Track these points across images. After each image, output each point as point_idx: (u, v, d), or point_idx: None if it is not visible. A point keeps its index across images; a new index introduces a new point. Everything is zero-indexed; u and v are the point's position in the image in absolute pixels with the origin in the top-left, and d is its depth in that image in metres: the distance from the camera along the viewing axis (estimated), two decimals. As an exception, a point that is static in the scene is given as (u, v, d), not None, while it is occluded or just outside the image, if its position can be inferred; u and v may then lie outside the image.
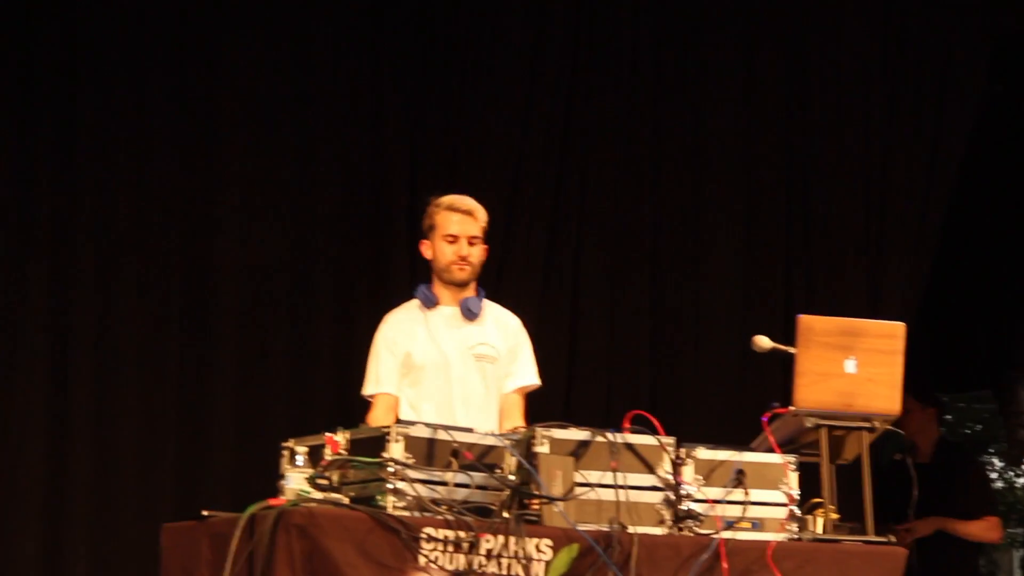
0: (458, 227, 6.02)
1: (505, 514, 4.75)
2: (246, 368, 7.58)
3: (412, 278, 7.57)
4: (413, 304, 6.09)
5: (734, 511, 5.11)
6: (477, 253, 6.05)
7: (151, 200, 7.56)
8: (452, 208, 6.04)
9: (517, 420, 6.03)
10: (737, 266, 8.41)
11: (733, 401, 8.13)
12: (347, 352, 7.69)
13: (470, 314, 6.04)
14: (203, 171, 7.66)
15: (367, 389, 6.05)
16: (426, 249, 6.08)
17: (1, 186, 7.36)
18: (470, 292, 6.08)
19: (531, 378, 6.18)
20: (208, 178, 7.67)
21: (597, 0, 8.35)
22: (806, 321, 5.46)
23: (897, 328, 5.57)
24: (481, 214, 6.06)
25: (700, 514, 5.06)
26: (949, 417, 18.71)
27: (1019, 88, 9.33)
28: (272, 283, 7.70)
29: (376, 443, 4.73)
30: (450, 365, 5.99)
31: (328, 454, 4.79)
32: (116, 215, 7.50)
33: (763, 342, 5.70)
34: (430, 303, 6.04)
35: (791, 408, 5.38)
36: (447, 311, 6.05)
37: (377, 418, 5.90)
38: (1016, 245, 9.56)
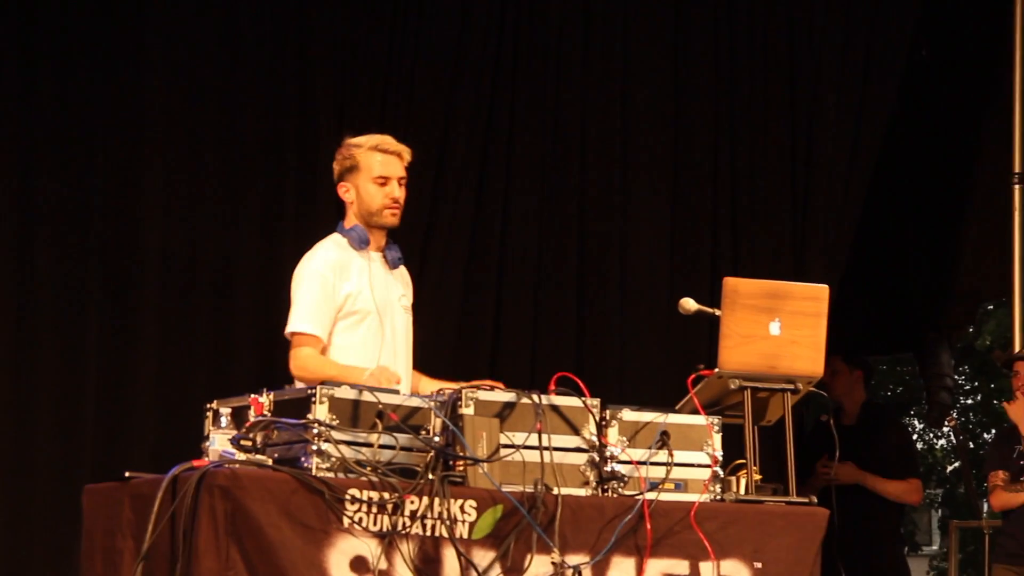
0: (388, 168, 5.69)
1: (430, 475, 4.74)
2: (169, 329, 7.51)
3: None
4: (340, 242, 5.71)
5: (658, 472, 5.12)
6: (404, 196, 5.74)
7: (72, 166, 7.45)
8: (380, 149, 5.71)
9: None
10: (663, 227, 8.42)
11: (658, 363, 8.16)
12: (268, 313, 7.65)
13: (396, 263, 5.80)
14: (126, 132, 7.56)
15: (296, 325, 5.60)
16: (346, 192, 5.71)
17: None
18: (384, 239, 5.79)
19: None
20: (133, 135, 7.56)
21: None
22: (731, 283, 5.47)
23: (821, 290, 5.60)
24: (407, 154, 5.74)
25: (624, 475, 5.07)
26: (873, 380, 18.90)
27: (945, 53, 9.37)
28: (196, 245, 7.61)
29: (301, 404, 4.70)
30: (384, 317, 5.70)
31: (252, 415, 4.77)
32: (36, 183, 7.38)
33: (689, 304, 5.71)
34: (365, 244, 5.70)
35: (716, 370, 5.40)
36: (375, 256, 5.75)
37: (307, 361, 5.55)
38: (940, 207, 9.62)
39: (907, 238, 9.86)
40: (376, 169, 5.69)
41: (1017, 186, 9.05)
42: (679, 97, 8.52)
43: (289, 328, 5.64)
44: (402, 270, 5.89)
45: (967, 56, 9.39)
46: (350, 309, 5.65)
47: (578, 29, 8.40)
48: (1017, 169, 9.05)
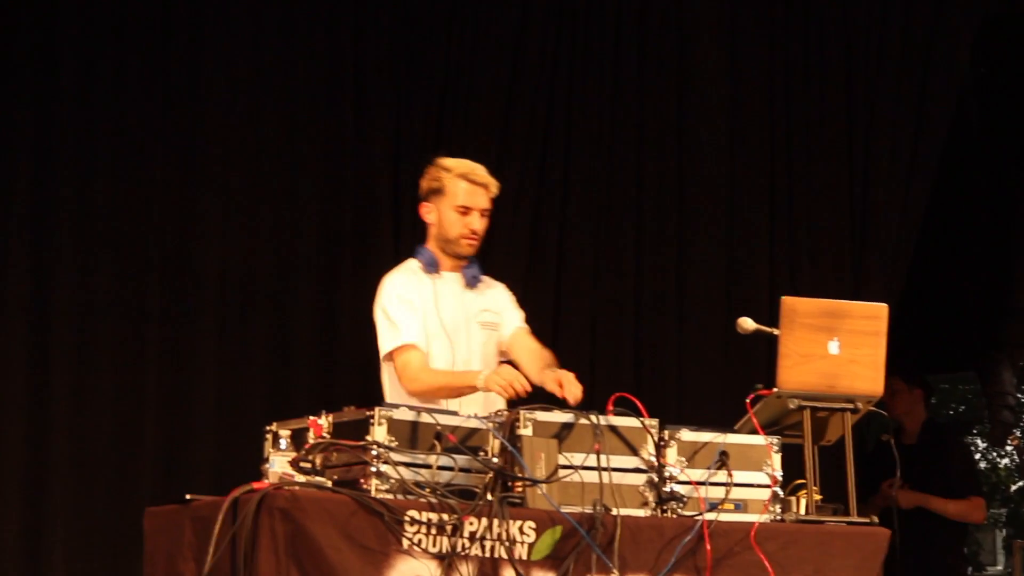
0: (472, 199, 5.75)
1: (488, 496, 4.74)
2: (228, 350, 7.55)
3: (395, 258, 7.59)
4: (413, 266, 5.81)
5: (717, 492, 5.11)
6: (486, 226, 5.80)
7: (130, 182, 7.52)
8: (466, 177, 5.76)
9: (535, 345, 5.82)
10: (721, 247, 8.41)
11: (717, 382, 8.14)
12: (329, 335, 7.69)
13: (474, 281, 5.83)
14: (184, 151, 7.61)
15: (397, 340, 5.62)
16: (428, 212, 5.79)
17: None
18: (466, 259, 5.85)
19: (523, 322, 5.97)
20: (190, 154, 7.62)
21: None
22: (789, 302, 5.46)
23: (880, 309, 5.57)
24: (495, 187, 5.80)
25: (683, 496, 5.06)
26: (933, 400, 18.79)
27: (1002, 70, 9.33)
28: (254, 265, 7.66)
29: (359, 426, 4.72)
30: (455, 332, 5.74)
31: (311, 437, 4.79)
32: (95, 201, 7.45)
33: (747, 323, 5.70)
34: (433, 268, 5.78)
35: (774, 389, 5.38)
36: (449, 277, 5.81)
37: (421, 373, 5.58)
38: (999, 226, 9.57)
39: (967, 256, 9.80)
40: (460, 197, 5.75)
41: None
42: (734, 119, 8.51)
43: (388, 347, 5.67)
44: (493, 287, 5.93)
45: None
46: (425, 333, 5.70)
47: (633, 56, 8.40)
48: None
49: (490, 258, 7.91)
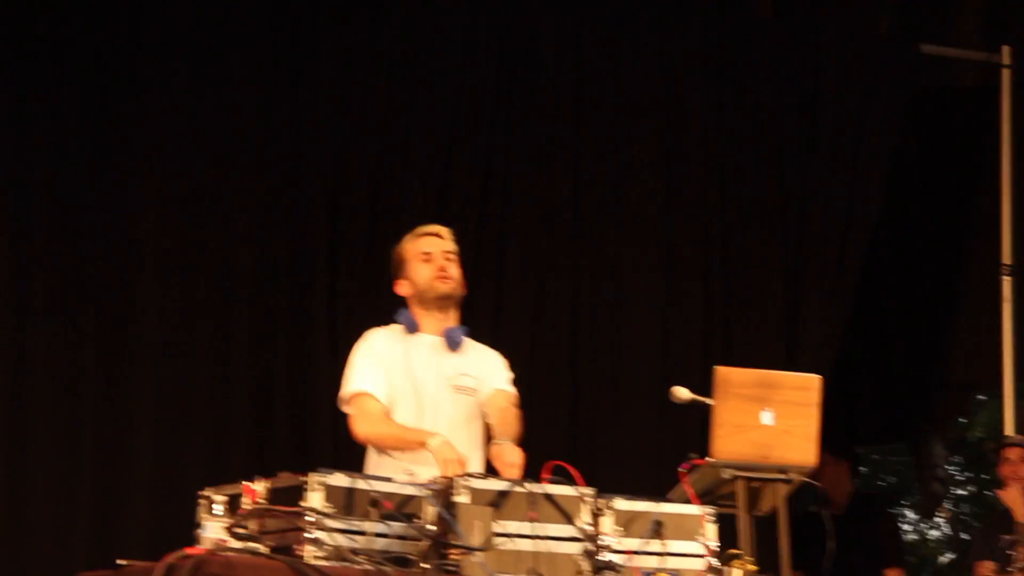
0: (430, 245, 5.96)
1: (424, 564, 4.74)
2: (163, 415, 7.50)
3: (331, 324, 7.59)
4: (395, 328, 5.93)
5: (652, 562, 5.12)
6: (456, 269, 5.95)
7: (65, 244, 7.48)
8: (417, 234, 6.00)
9: (503, 408, 5.88)
10: (656, 317, 8.44)
11: (651, 451, 8.15)
12: (263, 399, 7.66)
13: (453, 344, 5.91)
14: (123, 213, 7.58)
15: (353, 386, 5.77)
16: (402, 287, 5.97)
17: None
18: (453, 321, 5.95)
19: (508, 385, 6.04)
20: (128, 217, 7.58)
21: (520, 32, 8.38)
22: (723, 373, 5.50)
23: (813, 380, 5.62)
24: (446, 232, 6.02)
25: (619, 565, 5.06)
26: (864, 469, 18.84)
27: (933, 143, 9.45)
28: (191, 329, 7.62)
29: (294, 492, 4.71)
30: (424, 393, 5.81)
31: (246, 503, 4.77)
32: (30, 261, 7.41)
33: (681, 393, 5.73)
34: (412, 328, 5.89)
35: (708, 459, 5.41)
36: (428, 339, 5.90)
37: (375, 418, 5.70)
38: (931, 297, 9.66)
39: (898, 328, 9.88)
40: (419, 248, 5.95)
41: (1006, 278, 9.10)
42: (671, 184, 8.57)
43: (346, 390, 5.78)
44: (480, 351, 6.02)
45: (954, 147, 9.46)
46: (391, 390, 5.77)
47: (569, 113, 8.45)
48: (1006, 261, 9.10)
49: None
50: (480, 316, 8.11)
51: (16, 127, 7.46)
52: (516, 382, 8.06)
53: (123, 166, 7.61)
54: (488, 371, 6.01)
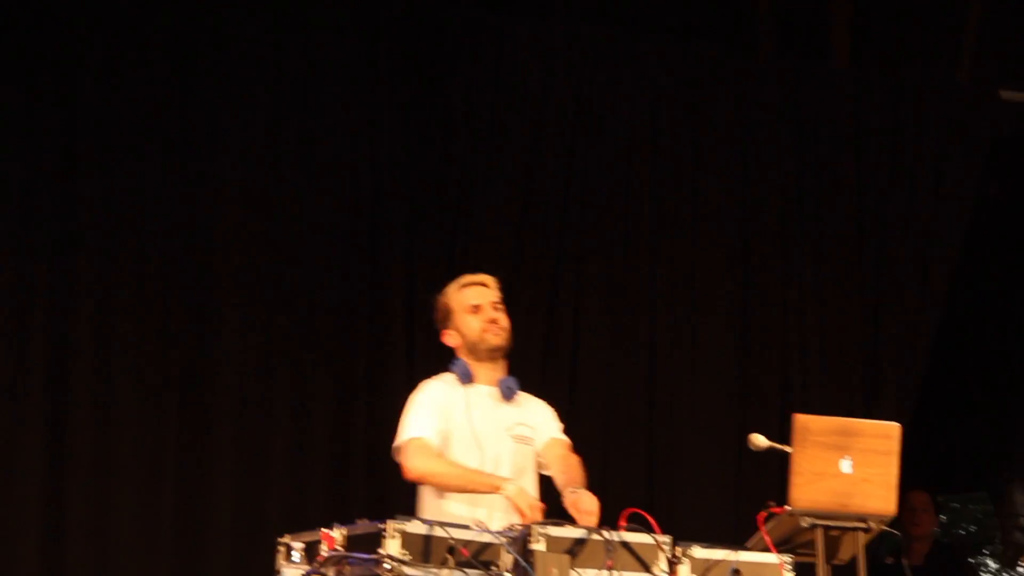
0: (478, 297, 5.89)
1: (501, 611, 4.74)
2: (243, 462, 7.55)
3: (409, 372, 7.61)
4: (448, 377, 5.88)
5: (729, 610, 5.10)
6: (504, 318, 5.89)
7: (151, 296, 7.55)
8: (463, 284, 5.93)
9: (566, 457, 5.89)
10: (734, 363, 8.42)
11: (729, 499, 8.12)
12: (344, 448, 7.69)
13: (508, 394, 5.87)
14: (202, 265, 7.65)
15: (408, 433, 5.70)
16: (450, 337, 5.91)
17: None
18: (503, 371, 5.91)
19: (562, 434, 6.02)
20: (207, 273, 7.66)
21: (594, 91, 8.41)
22: (802, 420, 5.47)
23: (892, 428, 5.57)
24: (492, 282, 5.95)
25: (696, 613, 5.05)
26: (943, 517, 18.66)
27: (1015, 190, 9.39)
28: (271, 377, 7.67)
29: (372, 539, 4.72)
30: (485, 442, 5.77)
31: (324, 550, 4.79)
32: (114, 309, 7.48)
33: (759, 440, 5.70)
34: (468, 379, 5.84)
35: (787, 507, 5.37)
36: (484, 389, 5.85)
37: (429, 456, 5.63)
38: (1013, 345, 9.58)
39: (979, 375, 9.81)
40: (467, 300, 5.88)
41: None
42: (748, 231, 8.56)
43: (401, 438, 5.73)
44: (532, 402, 5.98)
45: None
46: (448, 442, 5.73)
47: (645, 165, 8.46)
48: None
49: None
50: (557, 362, 8.14)
51: (103, 182, 7.54)
52: (593, 429, 8.12)
53: (204, 217, 7.69)
54: (541, 421, 5.99)
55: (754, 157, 8.64)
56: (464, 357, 5.89)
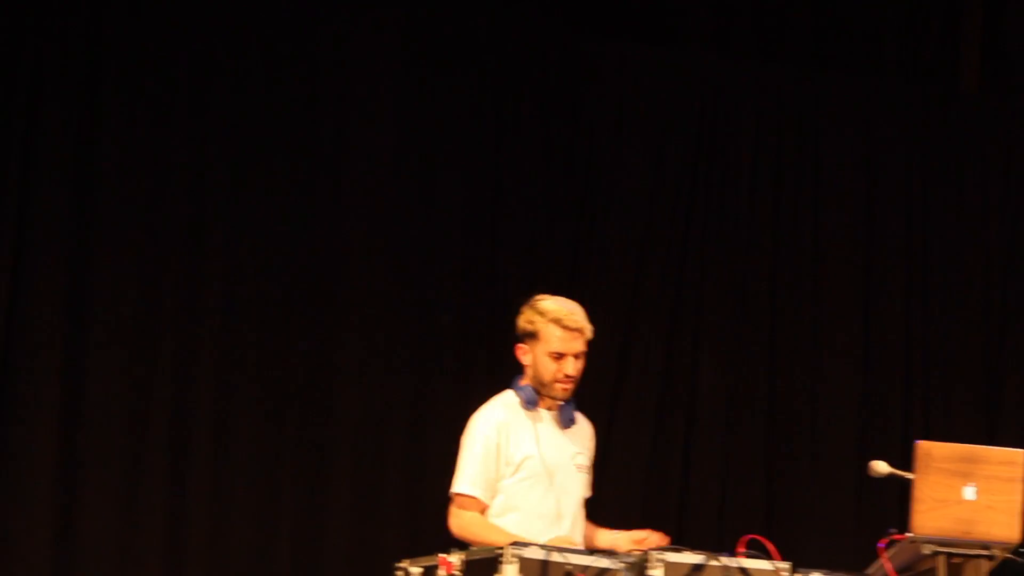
0: (566, 344, 5.68)
1: (620, 637, 4.72)
2: (360, 487, 7.59)
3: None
4: (511, 401, 5.76)
5: (849, 638, 5.06)
6: (580, 370, 5.73)
7: (273, 315, 7.63)
8: (560, 323, 5.69)
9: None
10: (855, 389, 8.36)
11: (849, 526, 8.05)
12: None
13: (569, 423, 5.77)
14: (325, 276, 7.72)
15: (459, 487, 5.64)
16: (523, 355, 5.74)
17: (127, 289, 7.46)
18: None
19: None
20: (330, 284, 7.72)
21: (717, 119, 8.40)
22: (925, 447, 5.40)
23: (1017, 455, 5.49)
24: (588, 331, 5.73)
25: (814, 641, 5.01)
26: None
27: None
28: (389, 395, 7.71)
29: (490, 564, 4.72)
30: (556, 474, 5.68)
31: (441, 574, 4.79)
32: (239, 331, 7.58)
33: (880, 467, 5.64)
34: (533, 405, 5.73)
35: (908, 534, 5.32)
36: (546, 415, 5.75)
37: (474, 523, 5.58)
38: None
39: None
40: (554, 344, 5.67)
41: None
42: (869, 257, 8.50)
43: (453, 488, 5.68)
44: (582, 426, 5.85)
45: None
46: (518, 470, 5.67)
47: (768, 191, 8.43)
48: None
49: (622, 402, 7.95)
50: (676, 384, 8.11)
51: (225, 203, 7.64)
52: (714, 453, 8.08)
53: (327, 227, 7.77)
54: (592, 446, 5.90)
55: (877, 179, 8.56)
56: (529, 380, 5.75)
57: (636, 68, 8.29)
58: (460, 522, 5.62)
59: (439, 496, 7.59)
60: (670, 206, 8.27)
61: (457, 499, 5.66)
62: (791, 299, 8.39)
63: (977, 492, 5.35)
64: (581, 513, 5.78)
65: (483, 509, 5.63)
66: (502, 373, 7.66)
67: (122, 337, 7.37)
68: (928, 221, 8.57)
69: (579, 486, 5.77)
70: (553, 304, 5.75)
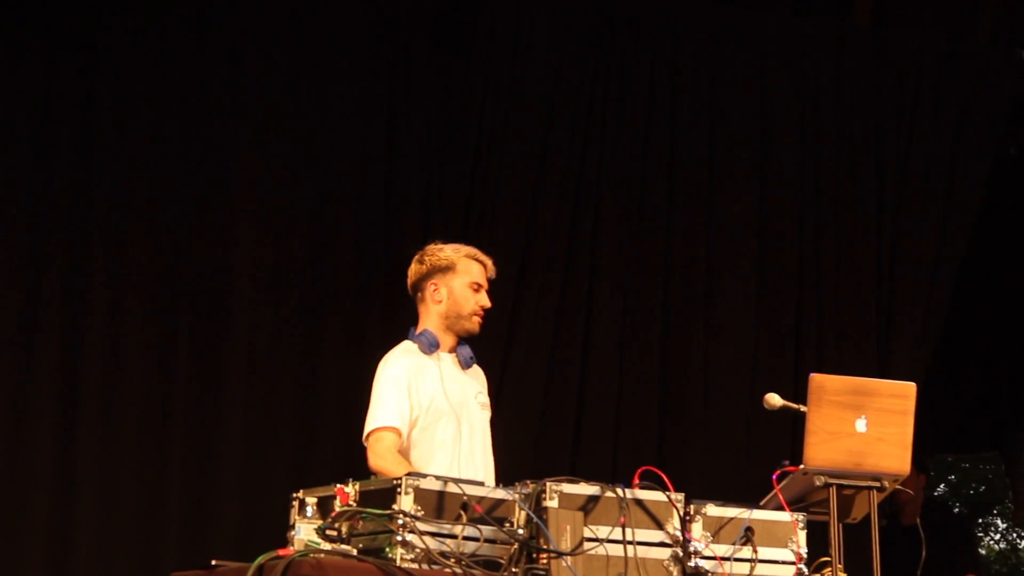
0: (483, 276, 5.88)
1: (513, 568, 4.73)
2: (255, 417, 7.57)
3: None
4: (411, 348, 5.87)
5: (742, 568, 5.09)
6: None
7: (163, 245, 7.58)
8: (477, 258, 5.89)
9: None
10: (747, 324, 8.41)
11: (743, 458, 8.12)
12: (353, 405, 7.69)
13: (470, 362, 5.92)
14: (216, 222, 7.68)
15: (375, 423, 5.74)
16: (434, 290, 5.86)
17: (15, 228, 7.37)
18: (456, 339, 5.92)
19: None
20: (221, 226, 7.68)
21: (613, 58, 8.38)
22: (818, 380, 5.45)
23: (908, 388, 5.56)
24: (493, 269, 5.94)
25: (708, 571, 5.04)
26: (954, 477, 18.70)
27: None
28: (282, 335, 7.69)
29: (386, 494, 4.72)
30: (461, 411, 5.83)
31: (338, 505, 4.78)
32: (128, 258, 7.51)
33: (774, 400, 5.69)
34: (434, 348, 5.85)
35: (801, 466, 5.37)
36: (448, 357, 5.89)
37: (387, 452, 5.68)
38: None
39: (993, 336, 9.78)
40: (475, 275, 5.86)
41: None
42: (765, 191, 8.54)
43: (368, 427, 5.77)
44: (476, 368, 5.99)
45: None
46: (427, 413, 5.78)
47: (664, 124, 8.43)
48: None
49: (517, 331, 7.96)
50: (571, 322, 8.13)
51: (117, 142, 7.58)
52: (607, 387, 8.13)
53: (219, 172, 7.73)
54: (487, 387, 6.04)
55: (771, 111, 8.59)
56: (432, 318, 5.87)
57: (531, 4, 8.24)
58: (378, 453, 5.70)
59: (331, 429, 7.63)
60: (565, 140, 8.24)
61: (375, 435, 5.75)
62: (687, 235, 8.42)
63: (868, 424, 5.41)
64: (490, 450, 5.91)
65: (400, 446, 5.73)
66: (399, 320, 7.72)
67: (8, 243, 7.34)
68: (820, 153, 8.61)
69: (485, 423, 5.91)
70: (460, 244, 5.95)
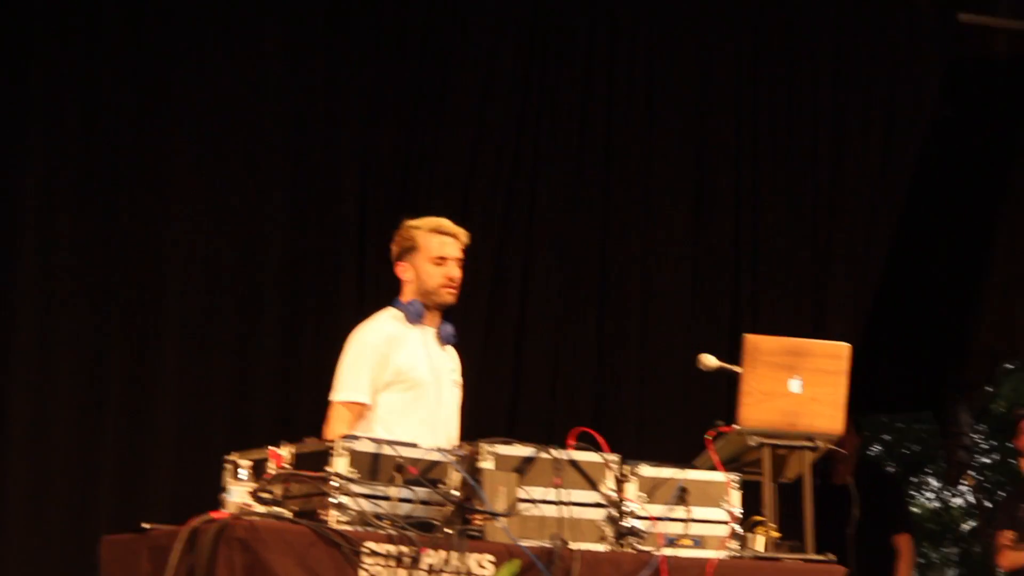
0: (446, 249, 5.88)
1: (448, 529, 4.74)
2: (189, 380, 7.54)
3: (360, 294, 7.60)
4: (393, 316, 5.90)
5: (676, 528, 5.12)
6: (461, 275, 5.93)
7: (96, 209, 7.52)
8: (438, 231, 5.91)
9: None
10: (683, 284, 8.42)
11: (677, 419, 8.15)
12: (290, 367, 7.68)
13: (449, 339, 5.97)
14: (152, 183, 7.62)
15: (342, 394, 5.81)
16: (404, 271, 5.91)
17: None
18: (440, 316, 5.96)
19: None
20: (157, 192, 7.63)
21: (550, 20, 8.36)
22: (752, 340, 5.48)
23: (842, 348, 5.60)
24: (464, 236, 5.94)
25: (642, 531, 5.06)
26: (888, 437, 18.84)
27: (969, 113, 9.37)
28: (217, 297, 7.66)
29: (320, 457, 4.71)
30: (440, 385, 5.89)
31: (272, 468, 4.77)
32: (58, 230, 7.46)
33: (709, 360, 5.72)
34: (419, 319, 5.88)
35: (735, 426, 5.40)
36: (430, 331, 5.93)
37: (343, 429, 5.67)
38: (962, 267, 9.61)
39: (926, 297, 9.84)
40: (435, 250, 5.88)
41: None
42: (700, 154, 8.54)
43: (333, 394, 5.81)
44: (450, 349, 6.02)
45: (991, 118, 9.37)
46: (404, 379, 5.82)
47: (602, 94, 8.42)
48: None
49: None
50: (507, 280, 8.12)
51: (57, 123, 7.52)
52: (543, 349, 8.15)
53: (155, 149, 7.67)
54: (459, 368, 6.08)
55: (708, 79, 8.58)
56: (413, 296, 5.91)
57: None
58: (333, 429, 5.72)
59: (269, 396, 7.61)
60: (503, 106, 8.22)
61: (335, 407, 5.80)
62: (623, 196, 8.41)
63: (803, 385, 5.45)
64: (457, 427, 5.96)
65: (361, 412, 5.78)
66: (334, 287, 7.70)
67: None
68: (757, 114, 8.61)
69: (455, 401, 5.98)
70: (425, 219, 5.97)
